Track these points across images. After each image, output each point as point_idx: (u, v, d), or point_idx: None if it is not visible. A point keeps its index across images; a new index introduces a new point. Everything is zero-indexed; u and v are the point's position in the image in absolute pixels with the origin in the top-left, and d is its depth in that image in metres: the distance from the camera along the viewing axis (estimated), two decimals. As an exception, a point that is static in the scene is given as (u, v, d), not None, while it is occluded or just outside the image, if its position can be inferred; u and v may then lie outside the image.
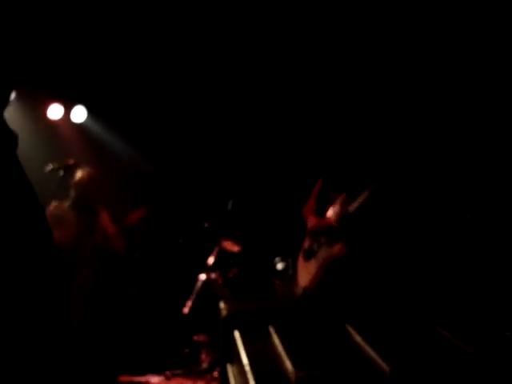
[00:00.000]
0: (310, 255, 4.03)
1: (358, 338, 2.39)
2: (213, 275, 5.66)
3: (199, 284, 5.60)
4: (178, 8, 5.41)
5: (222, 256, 5.78)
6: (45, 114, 6.02)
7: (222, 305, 2.61)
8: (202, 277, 5.63)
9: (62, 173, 4.76)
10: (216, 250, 5.74)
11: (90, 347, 4.67)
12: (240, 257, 5.84)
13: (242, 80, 5.83)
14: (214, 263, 5.69)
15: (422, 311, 2.73)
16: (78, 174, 4.99)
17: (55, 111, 6.10)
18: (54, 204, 5.03)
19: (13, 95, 4.69)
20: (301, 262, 4.13)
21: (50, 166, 4.73)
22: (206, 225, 5.81)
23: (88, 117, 6.22)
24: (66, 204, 5.05)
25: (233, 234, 5.81)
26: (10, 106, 4.53)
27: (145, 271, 5.94)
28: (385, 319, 2.58)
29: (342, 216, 3.85)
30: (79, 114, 6.22)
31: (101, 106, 6.28)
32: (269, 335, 2.40)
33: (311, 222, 4.15)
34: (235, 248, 5.81)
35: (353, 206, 3.77)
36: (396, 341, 2.47)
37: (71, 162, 4.88)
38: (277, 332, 2.38)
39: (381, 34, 4.68)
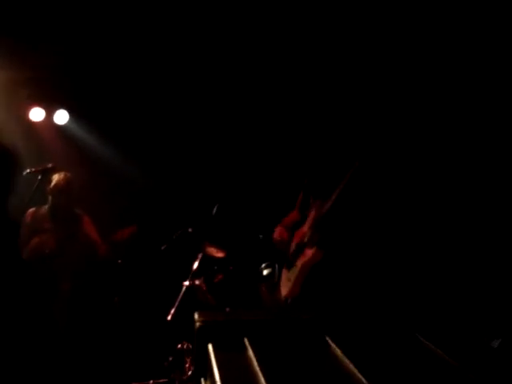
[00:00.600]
0: (291, 264, 3.92)
1: (338, 351, 2.28)
2: (197, 282, 5.53)
3: (183, 291, 5.47)
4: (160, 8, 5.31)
5: (207, 262, 5.65)
6: (26, 115, 5.91)
7: (196, 316, 2.49)
8: (186, 283, 5.50)
9: (39, 176, 4.62)
10: (200, 255, 5.61)
11: (72, 355, 4.55)
12: (225, 263, 5.72)
13: (226, 86, 5.73)
14: (198, 269, 5.56)
15: (403, 319, 2.62)
16: (55, 179, 4.84)
17: (37, 114, 5.99)
18: (31, 210, 4.90)
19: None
20: (284, 271, 4.02)
21: (27, 170, 4.58)
22: (190, 230, 5.68)
23: (70, 119, 6.11)
24: (44, 210, 4.91)
25: (217, 240, 5.68)
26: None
27: (128, 278, 5.80)
28: (365, 328, 2.47)
29: (315, 219, 3.74)
30: (61, 117, 6.11)
31: (83, 109, 6.17)
32: (244, 348, 2.28)
33: (280, 236, 4.04)
34: (220, 254, 5.68)
35: (325, 207, 3.67)
36: (377, 353, 2.35)
37: (49, 165, 4.74)
38: (252, 345, 2.27)
39: (368, 33, 4.60)
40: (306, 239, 3.78)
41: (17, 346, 4.39)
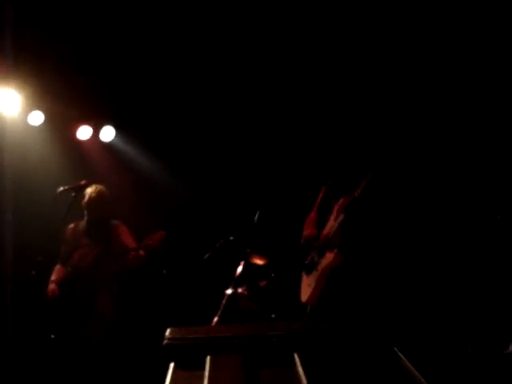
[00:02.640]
0: (311, 269, 3.82)
1: (300, 369, 2.20)
2: (239, 289, 5.53)
3: (225, 299, 5.48)
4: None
5: (249, 270, 5.64)
6: (74, 135, 6.16)
7: (167, 333, 2.48)
8: (229, 291, 5.51)
9: (73, 194, 4.78)
10: (242, 263, 5.60)
11: (108, 372, 4.65)
12: (267, 270, 5.68)
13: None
14: (241, 277, 5.56)
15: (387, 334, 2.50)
16: (87, 193, 4.97)
17: (84, 132, 6.23)
18: (70, 227, 5.05)
19: (42, 118, 4.81)
20: (303, 277, 3.93)
21: (60, 188, 4.74)
22: (232, 238, 5.69)
23: (116, 136, 6.30)
24: (82, 225, 5.06)
25: (259, 247, 5.66)
26: (39, 127, 4.64)
27: (173, 288, 5.89)
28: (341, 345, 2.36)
29: (338, 223, 3.63)
30: (108, 134, 6.32)
31: (129, 126, 6.35)
32: (203, 367, 2.25)
33: (307, 233, 3.96)
34: (262, 261, 5.66)
35: (346, 210, 3.58)
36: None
37: (83, 182, 4.88)
38: (211, 364, 2.23)
39: (369, 33, 4.46)
40: (327, 242, 3.68)
41: (53, 362, 4.60)
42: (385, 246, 3.65)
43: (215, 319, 5.42)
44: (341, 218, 3.69)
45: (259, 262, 5.69)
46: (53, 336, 4.59)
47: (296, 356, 2.29)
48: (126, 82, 6.15)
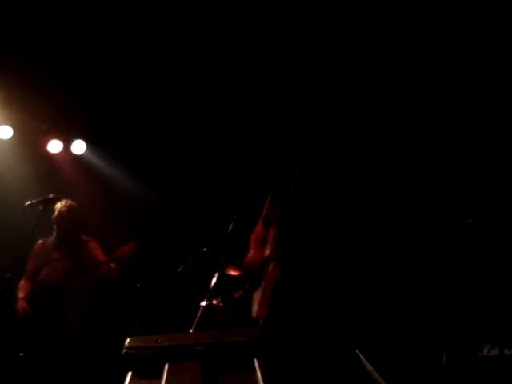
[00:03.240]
0: (257, 284, 3.75)
1: (259, 374, 2.16)
2: (214, 301, 5.48)
3: (201, 311, 5.43)
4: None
5: (224, 281, 5.59)
6: (44, 149, 6.10)
7: (126, 342, 2.43)
8: (203, 303, 5.45)
9: (41, 207, 4.72)
10: (217, 274, 5.55)
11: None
12: (242, 281, 5.63)
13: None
14: (216, 288, 5.51)
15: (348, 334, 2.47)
16: (57, 208, 4.92)
17: (55, 146, 6.17)
18: (40, 242, 5.00)
19: (10, 132, 4.74)
20: (254, 292, 3.83)
21: (28, 202, 4.69)
22: (205, 249, 5.65)
23: (87, 149, 6.25)
24: (51, 241, 5.01)
25: (234, 258, 5.62)
26: (7, 141, 4.57)
27: (147, 300, 5.82)
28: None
29: (272, 237, 3.62)
30: (78, 147, 6.27)
31: (100, 138, 6.31)
32: (161, 375, 2.20)
33: (249, 259, 3.90)
34: (236, 272, 5.61)
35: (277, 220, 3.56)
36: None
37: (51, 196, 4.82)
38: (169, 372, 2.18)
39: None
40: (267, 256, 3.65)
41: (24, 376, 4.51)
42: (322, 250, 3.62)
43: (190, 331, 5.37)
44: (274, 231, 3.68)
45: (234, 273, 5.64)
46: (21, 354, 4.51)
47: (256, 361, 2.25)
48: (97, 94, 6.11)
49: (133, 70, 5.75)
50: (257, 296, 3.68)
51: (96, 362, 4.85)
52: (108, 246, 5.17)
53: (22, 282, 4.88)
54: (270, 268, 3.53)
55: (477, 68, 4.31)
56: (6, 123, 5.80)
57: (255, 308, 3.65)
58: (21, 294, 4.79)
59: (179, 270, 5.72)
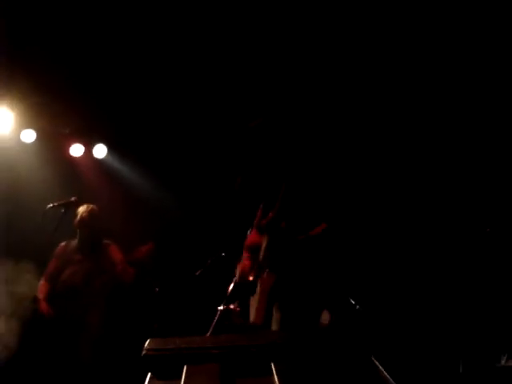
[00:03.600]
0: (254, 290, 3.80)
1: (276, 378, 2.19)
2: (231, 305, 5.51)
3: (218, 315, 5.46)
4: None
5: (241, 285, 5.62)
6: (66, 152, 6.20)
7: (146, 344, 2.48)
8: (221, 308, 5.49)
9: (62, 210, 4.79)
10: (234, 279, 5.59)
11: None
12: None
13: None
14: (233, 293, 5.54)
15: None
16: (79, 213, 5.00)
17: (77, 149, 6.26)
18: (63, 244, 5.08)
19: (34, 135, 4.82)
20: (251, 298, 3.87)
21: (50, 205, 4.76)
22: (223, 254, 5.69)
23: (108, 153, 6.34)
24: (74, 244, 5.08)
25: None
26: (31, 145, 4.64)
27: (164, 304, 5.87)
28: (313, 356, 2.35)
29: (264, 245, 3.63)
30: (100, 151, 6.35)
31: (121, 143, 6.39)
32: (180, 377, 2.25)
33: (243, 267, 3.92)
34: (254, 277, 5.64)
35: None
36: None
37: (73, 199, 4.89)
38: (187, 374, 2.22)
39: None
40: (261, 262, 3.67)
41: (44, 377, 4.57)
42: (314, 256, 3.63)
43: (207, 335, 5.41)
44: (265, 239, 3.71)
45: (251, 278, 5.66)
46: (42, 354, 4.59)
47: (273, 365, 2.28)
48: (119, 99, 6.19)
49: (154, 77, 5.83)
50: (253, 302, 3.72)
51: (115, 363, 4.90)
52: (128, 250, 5.23)
53: (42, 283, 4.95)
54: (265, 275, 3.58)
55: (477, 68, 4.26)
56: (29, 127, 5.90)
57: (252, 314, 3.67)
58: (41, 295, 4.85)
59: (197, 273, 5.76)
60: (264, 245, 3.69)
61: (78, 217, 5.00)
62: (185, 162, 6.20)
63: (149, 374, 2.31)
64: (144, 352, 2.41)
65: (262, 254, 3.70)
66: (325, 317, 4.10)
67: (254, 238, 3.94)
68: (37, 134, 5.94)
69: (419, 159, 4.66)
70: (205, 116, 6.03)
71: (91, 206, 5.05)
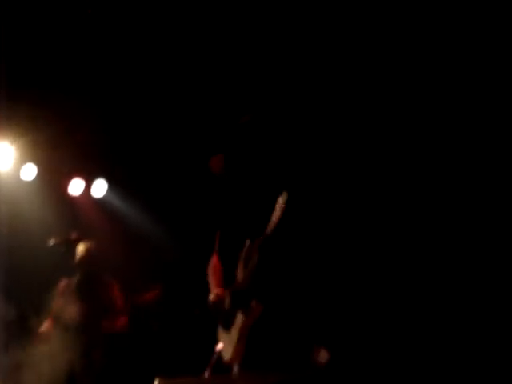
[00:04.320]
0: (228, 324, 3.38)
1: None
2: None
3: (216, 353, 5.42)
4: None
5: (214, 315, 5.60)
6: (66, 190, 6.21)
7: (155, 382, 2.47)
8: (220, 346, 5.45)
9: (63, 248, 4.81)
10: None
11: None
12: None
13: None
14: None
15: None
16: (79, 251, 5.02)
17: (76, 186, 6.27)
18: (63, 282, 5.09)
19: (34, 172, 4.80)
20: (220, 333, 3.53)
21: (51, 241, 4.78)
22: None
23: (108, 191, 6.35)
24: (74, 282, 5.09)
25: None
26: (31, 182, 4.60)
27: (164, 342, 5.83)
28: None
29: (249, 270, 3.19)
30: (99, 188, 6.36)
31: (121, 180, 6.41)
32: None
33: (215, 296, 3.47)
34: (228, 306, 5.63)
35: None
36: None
37: (73, 236, 4.92)
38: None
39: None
40: (243, 288, 3.23)
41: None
42: (307, 284, 3.38)
43: (206, 374, 5.34)
44: (252, 262, 3.22)
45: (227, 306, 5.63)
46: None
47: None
48: (119, 137, 6.24)
49: (153, 111, 5.87)
50: (228, 337, 3.35)
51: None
52: (129, 287, 5.24)
53: (48, 322, 4.94)
54: (254, 305, 3.23)
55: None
56: (29, 161, 5.89)
57: (228, 350, 3.33)
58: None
59: (197, 312, 5.74)
60: (247, 272, 3.34)
61: (77, 256, 5.03)
62: (186, 198, 6.21)
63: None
64: (155, 391, 2.39)
65: (243, 278, 3.27)
66: (322, 355, 3.85)
67: (216, 263, 3.61)
68: (37, 170, 5.93)
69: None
70: (206, 153, 6.07)
71: (89, 243, 5.07)
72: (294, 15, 4.60)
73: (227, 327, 3.39)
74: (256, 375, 2.99)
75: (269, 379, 2.49)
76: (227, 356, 3.37)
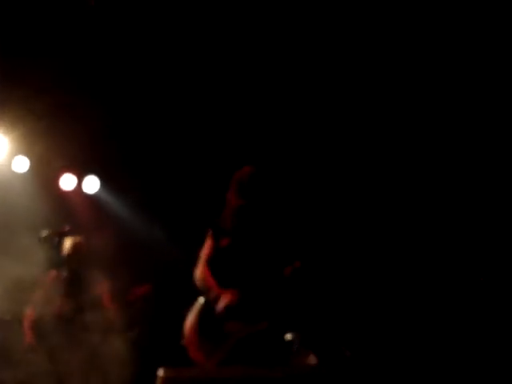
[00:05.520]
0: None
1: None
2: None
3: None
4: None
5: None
6: (58, 184, 6.11)
7: (160, 372, 2.40)
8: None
9: (56, 240, 4.73)
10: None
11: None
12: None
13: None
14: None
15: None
16: (66, 247, 4.95)
17: (68, 181, 6.18)
18: (53, 273, 5.00)
19: (26, 165, 4.71)
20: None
21: (43, 233, 4.69)
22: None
23: (101, 187, 6.27)
24: (63, 275, 4.99)
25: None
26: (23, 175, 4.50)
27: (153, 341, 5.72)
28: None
29: None
30: (91, 185, 6.27)
31: (114, 177, 6.33)
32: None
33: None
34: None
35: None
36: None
37: (66, 228, 4.84)
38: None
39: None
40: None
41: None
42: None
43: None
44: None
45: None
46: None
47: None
48: (113, 132, 6.16)
49: (149, 107, 5.83)
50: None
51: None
52: (118, 284, 5.15)
53: (29, 311, 4.84)
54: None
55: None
56: (22, 154, 5.79)
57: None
58: (27, 323, 4.78)
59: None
60: None
61: (65, 250, 4.96)
62: (180, 196, 6.15)
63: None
64: (159, 380, 2.33)
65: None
66: (311, 360, 3.78)
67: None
68: (30, 163, 5.84)
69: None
70: (199, 152, 6.03)
71: (77, 239, 5.00)
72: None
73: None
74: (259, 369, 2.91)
75: (274, 373, 2.44)
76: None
